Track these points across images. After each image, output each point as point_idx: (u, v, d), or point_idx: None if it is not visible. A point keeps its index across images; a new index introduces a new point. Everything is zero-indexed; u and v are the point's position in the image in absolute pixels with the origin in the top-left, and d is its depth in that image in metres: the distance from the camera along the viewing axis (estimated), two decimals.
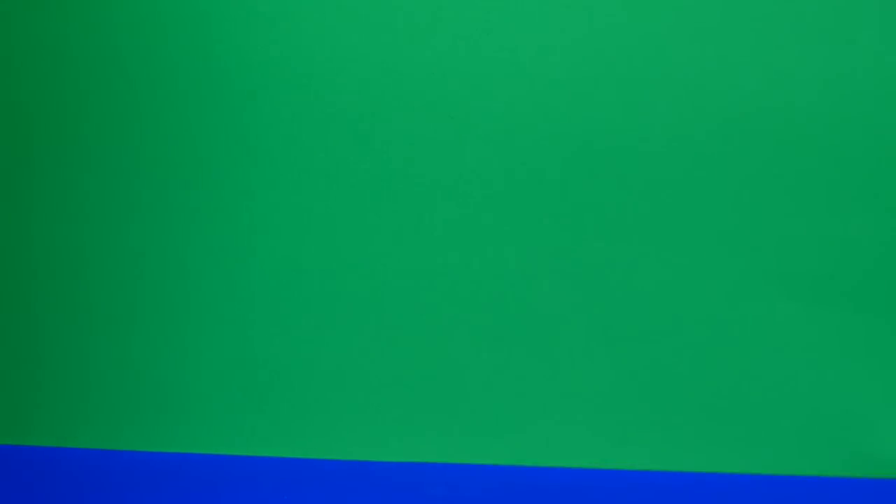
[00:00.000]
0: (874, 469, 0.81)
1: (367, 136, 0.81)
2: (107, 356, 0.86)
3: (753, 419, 0.81)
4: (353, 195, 0.81)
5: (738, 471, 0.82)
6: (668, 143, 0.79)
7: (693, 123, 0.78)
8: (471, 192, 0.80)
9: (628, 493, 0.79)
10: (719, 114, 0.78)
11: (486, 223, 0.81)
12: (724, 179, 0.79)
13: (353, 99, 0.80)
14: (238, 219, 0.84)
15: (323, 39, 0.79)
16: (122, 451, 0.85)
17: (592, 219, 0.80)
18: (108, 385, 0.86)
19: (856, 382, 0.81)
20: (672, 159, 0.79)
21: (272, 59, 0.80)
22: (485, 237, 0.81)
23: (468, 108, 0.79)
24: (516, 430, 0.82)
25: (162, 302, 0.85)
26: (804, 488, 0.79)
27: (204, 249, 0.84)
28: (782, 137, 0.78)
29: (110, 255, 0.85)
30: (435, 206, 0.81)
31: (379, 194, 0.81)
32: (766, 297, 0.80)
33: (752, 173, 0.78)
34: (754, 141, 0.78)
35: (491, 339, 0.82)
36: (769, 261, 0.81)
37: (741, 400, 0.81)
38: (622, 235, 0.80)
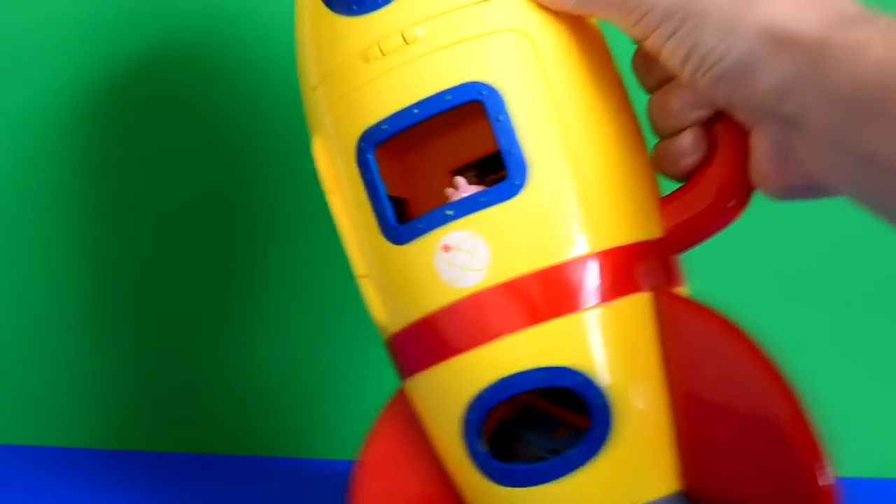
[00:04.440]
0: (874, 469, 0.80)
1: None
2: (106, 356, 0.86)
3: None
4: None
5: None
6: None
7: None
8: None
9: None
10: None
11: None
12: None
13: None
14: (237, 219, 0.84)
15: None
16: (122, 451, 0.85)
17: None
18: (107, 385, 0.86)
19: (856, 382, 0.80)
20: None
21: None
22: None
23: None
24: None
25: (163, 302, 0.85)
26: None
27: (206, 249, 0.84)
28: None
29: (110, 254, 0.85)
30: None
31: None
32: (766, 297, 0.80)
33: None
34: None
35: None
36: (770, 261, 0.81)
37: None
38: None
